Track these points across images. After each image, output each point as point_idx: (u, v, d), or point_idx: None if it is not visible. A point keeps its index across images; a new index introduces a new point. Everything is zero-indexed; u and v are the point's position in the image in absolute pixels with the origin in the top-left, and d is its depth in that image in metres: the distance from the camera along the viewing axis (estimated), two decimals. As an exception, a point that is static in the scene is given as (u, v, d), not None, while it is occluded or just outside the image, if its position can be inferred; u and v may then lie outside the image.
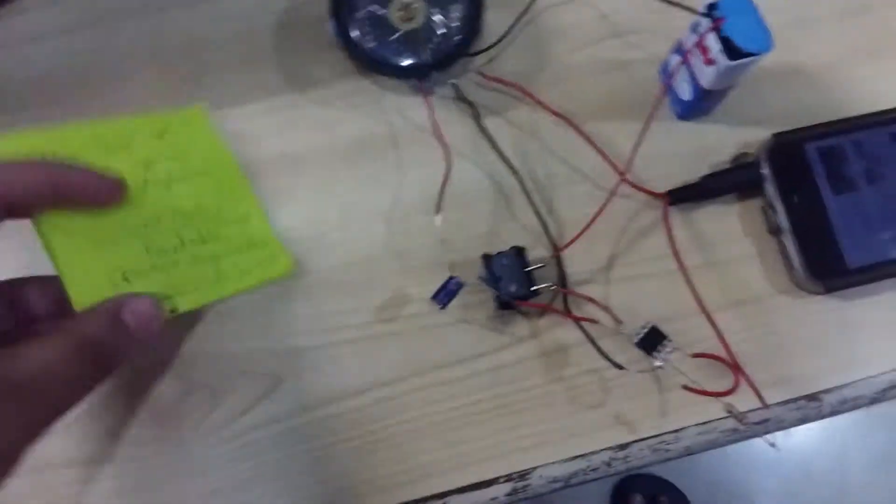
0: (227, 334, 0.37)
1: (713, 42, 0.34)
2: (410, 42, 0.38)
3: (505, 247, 0.37)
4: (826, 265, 0.37)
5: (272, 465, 0.35)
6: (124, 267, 0.30)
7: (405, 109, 0.40)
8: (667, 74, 0.39)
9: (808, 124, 0.39)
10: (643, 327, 0.36)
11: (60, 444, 0.35)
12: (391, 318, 0.37)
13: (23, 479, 0.34)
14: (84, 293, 0.29)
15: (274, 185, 0.39)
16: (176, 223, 0.32)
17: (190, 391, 0.36)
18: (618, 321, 0.36)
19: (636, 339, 0.36)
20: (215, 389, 0.36)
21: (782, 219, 0.38)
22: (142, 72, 0.40)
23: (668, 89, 0.40)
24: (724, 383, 0.36)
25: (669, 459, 0.37)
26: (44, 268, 0.29)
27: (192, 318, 0.37)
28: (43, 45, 0.41)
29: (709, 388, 0.36)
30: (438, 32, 0.38)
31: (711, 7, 0.34)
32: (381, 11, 0.39)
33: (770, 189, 0.38)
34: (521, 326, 0.38)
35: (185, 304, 0.31)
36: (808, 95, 0.41)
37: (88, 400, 0.35)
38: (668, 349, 0.36)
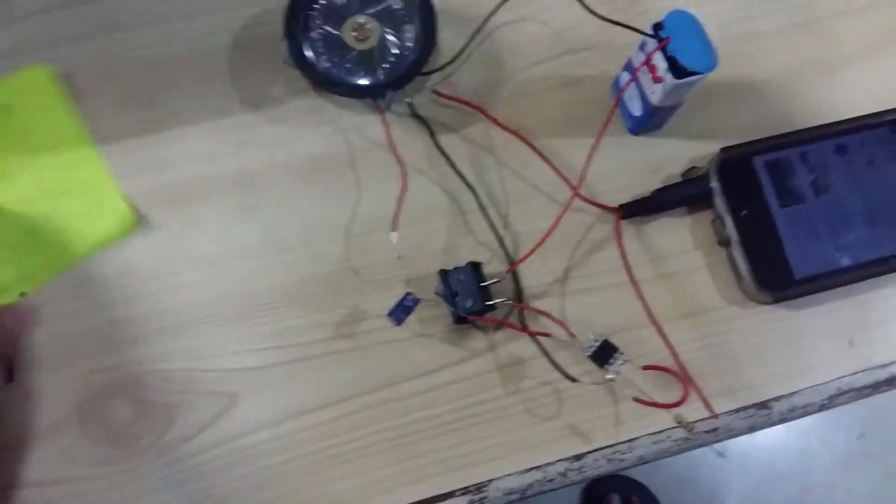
0: (180, 352, 0.37)
1: (660, 61, 0.35)
2: (365, 62, 0.39)
3: (462, 262, 0.38)
4: (774, 276, 0.38)
5: (225, 485, 0.35)
6: None
7: (362, 127, 0.41)
8: (618, 91, 0.40)
9: (757, 138, 0.40)
10: (595, 340, 0.37)
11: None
12: (349, 335, 0.38)
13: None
14: None
15: (233, 202, 0.39)
16: (16, 216, 0.36)
17: (144, 411, 0.36)
18: (571, 335, 0.37)
19: (588, 353, 0.37)
20: (170, 409, 0.36)
21: (731, 231, 0.39)
22: (97, 90, 0.40)
23: (620, 105, 0.41)
24: (675, 394, 0.37)
25: (624, 469, 0.38)
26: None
27: (142, 336, 0.37)
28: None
29: (660, 399, 0.37)
30: (393, 52, 0.39)
31: (657, 27, 0.35)
32: (335, 32, 0.39)
33: (719, 202, 0.39)
34: (477, 340, 0.38)
35: (33, 286, 0.36)
36: (758, 109, 0.42)
37: (43, 421, 0.35)
38: (619, 361, 0.37)
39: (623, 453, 0.38)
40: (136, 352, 0.37)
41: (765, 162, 0.40)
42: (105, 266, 0.38)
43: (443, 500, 0.36)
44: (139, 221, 0.38)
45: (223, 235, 0.39)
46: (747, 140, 0.40)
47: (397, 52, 0.39)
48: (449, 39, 0.42)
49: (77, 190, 0.37)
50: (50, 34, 0.41)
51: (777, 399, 0.39)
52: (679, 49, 0.34)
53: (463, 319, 0.37)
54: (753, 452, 1.03)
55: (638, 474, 0.95)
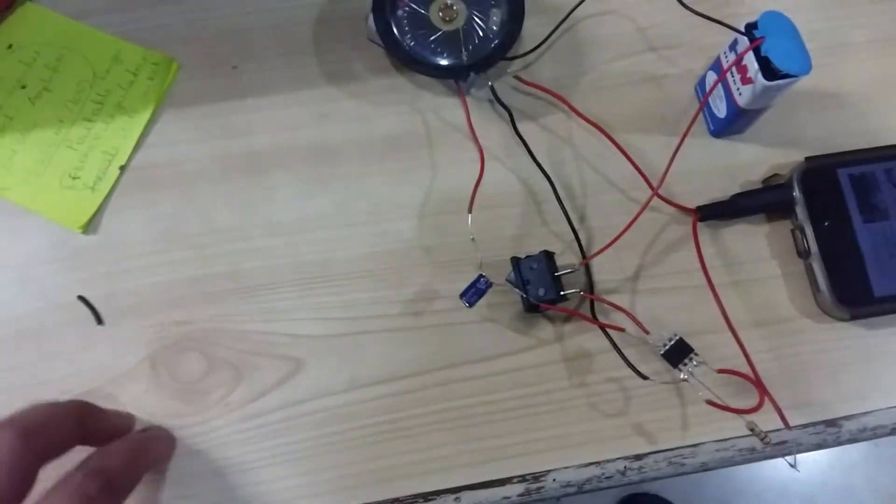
0: (252, 314, 0.39)
1: (751, 61, 0.37)
2: (449, 43, 0.41)
3: (533, 251, 0.40)
4: (853, 292, 0.40)
5: (286, 447, 0.38)
6: (66, 171, 0.41)
7: (441, 109, 0.43)
8: (702, 91, 0.42)
9: (842, 150, 0.42)
10: (670, 339, 0.38)
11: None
12: (417, 313, 0.40)
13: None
14: (59, 212, 0.40)
15: (309, 174, 0.42)
16: (73, 111, 0.42)
17: (213, 368, 0.38)
18: (645, 331, 0.39)
19: (662, 351, 0.38)
20: (238, 369, 0.38)
21: (811, 242, 0.40)
22: (183, 53, 0.43)
23: (705, 105, 0.43)
24: (745, 402, 0.38)
25: (684, 473, 0.39)
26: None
27: (216, 295, 0.39)
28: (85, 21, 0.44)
29: (731, 405, 0.38)
30: (478, 34, 0.41)
31: (751, 26, 0.37)
32: (421, 11, 0.42)
33: (801, 212, 0.40)
34: (545, 330, 0.40)
35: (124, 158, 0.41)
36: (843, 121, 0.44)
37: (118, 369, 0.38)
38: (693, 363, 0.38)
39: (685, 457, 0.39)
40: (210, 309, 0.39)
41: (849, 175, 0.41)
42: (188, 223, 0.41)
43: (499, 486, 0.38)
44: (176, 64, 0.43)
45: (297, 205, 0.41)
46: (831, 151, 0.41)
47: (482, 35, 0.41)
48: (531, 28, 0.44)
49: (110, 66, 0.43)
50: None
51: (848, 418, 0.40)
52: (773, 50, 0.36)
53: (533, 308, 0.39)
54: (794, 486, 1.02)
55: (672, 494, 0.95)
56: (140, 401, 0.38)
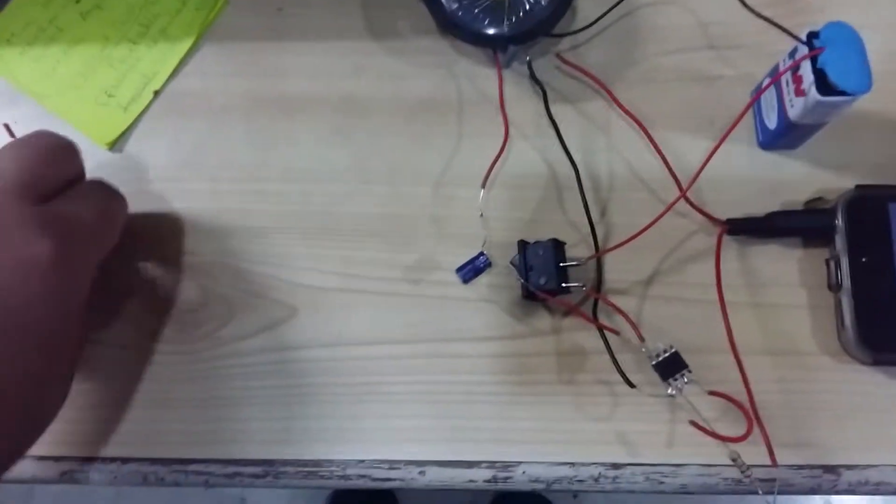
0: (255, 255, 0.41)
1: (807, 72, 0.36)
2: (495, 11, 0.41)
3: (547, 237, 0.40)
4: (880, 335, 0.38)
5: (264, 391, 0.40)
6: (103, 87, 0.43)
7: (477, 78, 0.43)
8: (760, 95, 0.41)
9: (900, 183, 0.40)
10: (665, 350, 0.38)
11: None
12: (415, 280, 0.41)
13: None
14: (90, 126, 0.43)
15: (333, 124, 0.43)
16: (119, 31, 0.44)
17: (208, 301, 0.41)
18: (641, 338, 0.39)
19: (654, 361, 0.38)
20: (232, 305, 0.41)
21: (845, 276, 0.39)
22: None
23: (756, 115, 0.42)
24: (738, 430, 0.37)
25: (661, 493, 0.39)
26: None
27: (223, 230, 0.42)
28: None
29: (722, 431, 0.38)
30: (525, 7, 0.41)
31: (812, 35, 0.36)
32: (472, -26, 0.42)
33: (840, 242, 0.39)
34: (543, 320, 0.40)
35: (160, 83, 0.43)
36: (908, 153, 0.42)
37: (117, 286, 0.41)
38: (684, 379, 0.38)
39: (665, 476, 0.39)
40: (215, 244, 0.42)
41: (902, 211, 0.39)
42: (208, 156, 0.43)
43: (466, 467, 0.39)
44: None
45: (316, 154, 0.43)
46: (887, 183, 0.40)
47: (529, 7, 0.41)
48: (587, 8, 0.44)
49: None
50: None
51: (850, 467, 0.39)
52: (831, 63, 0.35)
53: (531, 295, 0.39)
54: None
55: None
56: (136, 320, 0.41)
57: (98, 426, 0.40)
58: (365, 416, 0.39)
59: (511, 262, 0.40)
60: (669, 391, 0.38)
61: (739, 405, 0.38)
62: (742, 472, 0.37)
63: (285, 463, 0.39)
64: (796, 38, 0.36)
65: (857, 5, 0.43)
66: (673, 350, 0.38)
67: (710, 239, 0.41)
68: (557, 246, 0.40)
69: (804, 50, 0.36)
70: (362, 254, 0.41)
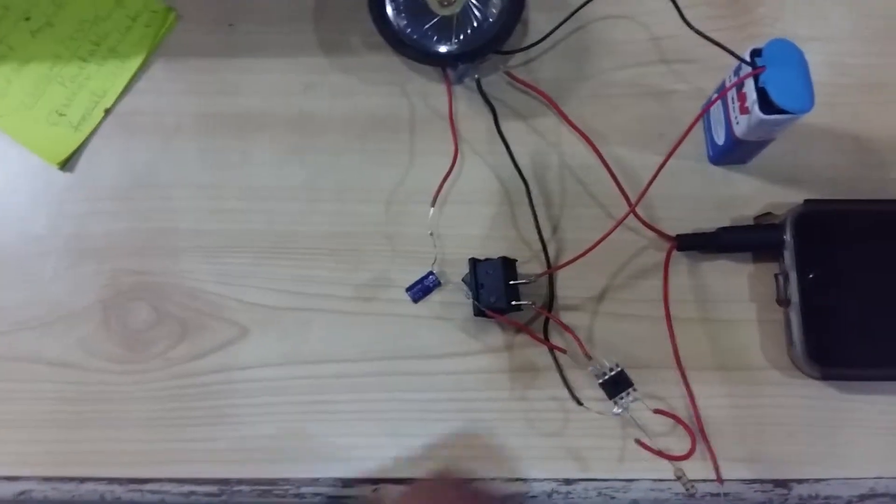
0: (207, 274, 0.42)
1: (751, 90, 0.36)
2: (444, 28, 0.41)
3: (498, 254, 0.41)
4: (828, 351, 0.39)
5: (213, 410, 0.40)
6: (54, 107, 0.44)
7: (429, 95, 0.44)
8: (707, 113, 0.41)
9: (849, 198, 0.40)
10: (611, 369, 0.39)
11: (38, 342, 0.41)
12: (367, 298, 0.42)
13: (12, 364, 0.41)
14: (42, 146, 0.43)
15: (285, 143, 0.44)
16: (70, 49, 0.44)
17: (161, 321, 0.41)
18: (588, 357, 0.39)
19: (601, 380, 0.38)
20: (185, 326, 0.41)
21: (794, 291, 0.39)
22: (182, 4, 0.45)
23: (706, 130, 0.42)
24: (687, 444, 0.38)
25: (611, 508, 0.40)
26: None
27: (176, 250, 0.42)
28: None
29: (671, 446, 0.39)
30: (474, 24, 0.41)
31: (755, 53, 0.36)
32: (422, -8, 0.42)
33: (788, 257, 0.40)
34: (495, 337, 0.41)
35: (111, 101, 0.44)
36: (860, 167, 0.42)
37: (70, 306, 0.41)
38: (630, 397, 0.38)
39: (616, 490, 0.40)
40: (167, 263, 0.42)
41: (850, 226, 0.40)
42: (160, 175, 0.43)
43: (417, 485, 0.39)
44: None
45: (270, 172, 0.43)
46: (836, 198, 0.40)
47: (477, 24, 0.42)
48: (540, 23, 0.44)
49: (110, 10, 0.45)
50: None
51: (799, 481, 0.39)
52: (773, 82, 0.35)
53: (483, 313, 0.40)
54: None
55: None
56: (87, 340, 0.41)
57: (55, 446, 0.40)
58: (318, 434, 0.40)
59: (462, 280, 0.40)
60: (615, 410, 0.38)
61: (683, 423, 0.38)
62: (686, 489, 0.38)
63: (240, 482, 0.40)
64: (738, 56, 0.36)
65: (807, 17, 0.44)
66: (619, 369, 0.38)
67: (660, 254, 0.41)
68: (507, 264, 0.40)
69: (747, 69, 0.36)
70: (315, 272, 0.42)
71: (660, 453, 0.38)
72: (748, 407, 0.40)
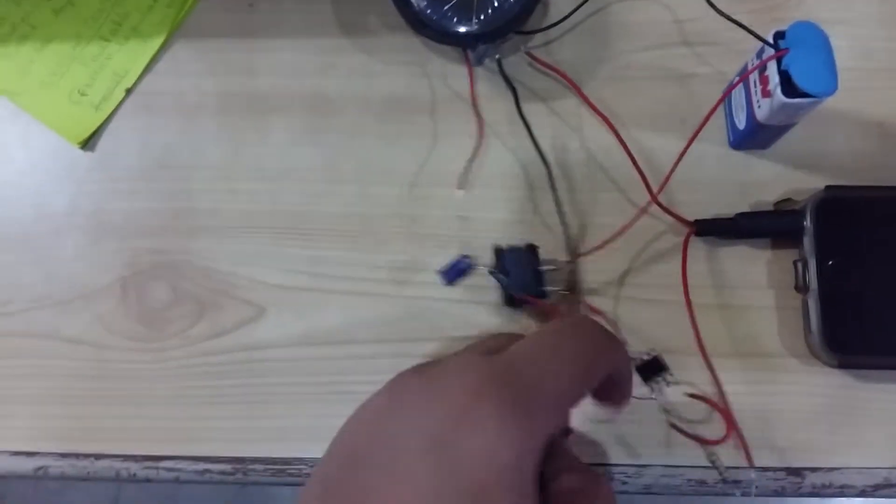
0: (225, 254, 0.42)
1: (773, 74, 0.36)
2: (464, 8, 0.41)
3: (521, 238, 0.41)
4: (846, 338, 0.39)
5: (231, 389, 0.41)
6: (75, 86, 0.44)
7: (450, 76, 0.44)
8: (728, 96, 0.41)
9: (871, 184, 0.40)
10: (647, 354, 0.38)
11: (56, 319, 0.42)
12: (388, 280, 0.42)
13: (30, 341, 0.42)
14: (63, 125, 0.44)
15: (304, 123, 0.44)
16: (92, 28, 0.44)
17: (179, 300, 0.42)
18: (623, 341, 0.39)
19: (636, 364, 0.38)
20: (202, 304, 0.42)
21: (812, 278, 0.39)
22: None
23: (727, 114, 0.42)
24: (707, 431, 0.38)
25: (625, 493, 0.40)
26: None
27: (195, 230, 0.43)
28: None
29: (700, 433, 0.39)
30: (494, 3, 0.41)
31: (779, 35, 0.36)
32: (441, -28, 0.42)
33: (808, 244, 0.39)
34: (524, 322, 0.41)
35: (131, 81, 0.44)
36: (882, 154, 0.42)
37: (89, 285, 0.42)
38: (665, 382, 0.38)
39: (629, 476, 0.40)
40: (186, 243, 0.43)
41: (871, 213, 0.39)
42: (179, 155, 0.44)
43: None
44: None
45: (287, 153, 0.43)
46: (858, 184, 0.40)
47: (497, 4, 0.41)
48: (560, 2, 0.44)
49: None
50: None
51: (813, 470, 0.39)
52: (795, 64, 0.35)
53: (513, 302, 0.40)
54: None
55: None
56: (106, 318, 0.42)
57: (71, 422, 0.41)
58: (334, 415, 0.40)
59: (489, 271, 0.40)
60: (652, 395, 0.38)
61: (720, 408, 0.38)
62: (721, 474, 0.38)
63: (255, 461, 0.40)
64: (761, 38, 0.36)
65: (833, 1, 0.43)
66: (654, 353, 0.38)
67: (678, 239, 0.41)
68: (532, 251, 0.40)
69: (769, 51, 0.36)
70: (331, 253, 0.42)
71: (696, 437, 0.37)
72: (763, 394, 0.40)
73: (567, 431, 0.33)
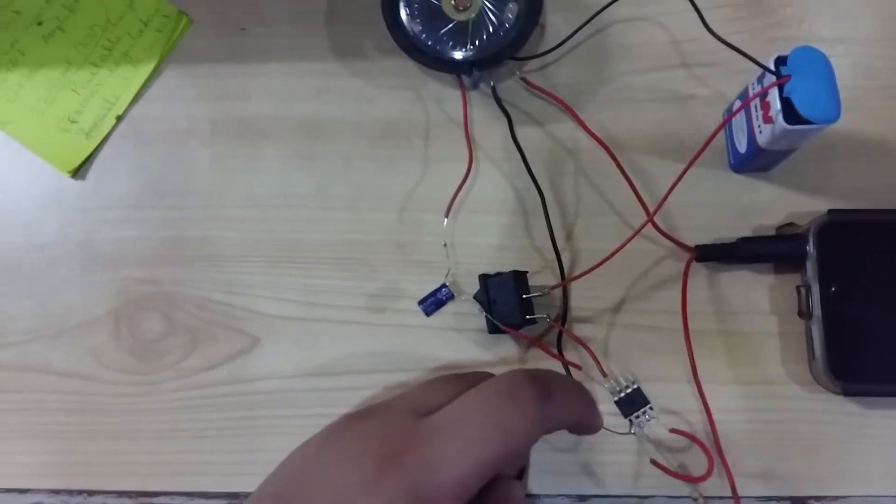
0: (217, 284, 0.42)
1: (775, 100, 0.35)
2: (459, 34, 0.41)
3: (513, 264, 0.40)
4: (851, 366, 0.38)
5: (225, 422, 0.40)
6: (65, 113, 0.44)
7: (445, 101, 0.43)
8: (727, 123, 0.40)
9: (875, 208, 0.39)
10: (627, 386, 0.38)
11: (48, 352, 0.42)
12: (380, 309, 0.41)
13: (22, 375, 0.41)
14: (53, 153, 0.43)
15: (295, 148, 0.43)
16: (82, 54, 0.44)
17: (172, 332, 0.41)
18: (603, 374, 0.39)
19: (616, 398, 0.38)
20: (195, 336, 0.41)
21: (816, 304, 0.38)
22: (194, 8, 0.45)
23: (727, 137, 0.41)
24: (694, 461, 0.38)
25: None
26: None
27: (186, 259, 0.42)
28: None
29: (686, 463, 0.38)
30: (489, 29, 0.41)
31: (780, 61, 0.35)
32: (435, -2, 0.41)
33: (811, 269, 0.39)
34: (508, 349, 0.41)
35: (122, 107, 0.43)
36: (885, 176, 0.41)
37: (81, 316, 0.41)
38: (646, 417, 0.38)
39: (607, 509, 0.39)
40: (177, 272, 0.42)
41: (875, 237, 0.39)
42: (170, 182, 0.43)
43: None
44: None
45: (278, 179, 0.43)
46: (861, 208, 0.39)
47: (492, 30, 0.41)
48: (558, 25, 0.43)
49: (123, 13, 0.45)
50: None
51: (819, 499, 0.39)
52: (798, 92, 0.34)
53: (497, 329, 0.39)
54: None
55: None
56: (98, 351, 0.41)
57: (64, 457, 0.41)
58: (328, 446, 0.40)
59: (475, 297, 0.40)
60: (631, 429, 0.38)
61: (700, 444, 0.38)
62: None
63: (250, 496, 0.40)
64: (762, 65, 0.35)
65: (833, 18, 0.43)
66: (635, 386, 0.38)
67: (678, 265, 0.41)
68: (518, 277, 0.39)
69: (771, 77, 0.35)
70: (325, 282, 0.41)
71: (676, 475, 0.37)
72: (767, 422, 0.39)
73: (520, 473, 0.32)
